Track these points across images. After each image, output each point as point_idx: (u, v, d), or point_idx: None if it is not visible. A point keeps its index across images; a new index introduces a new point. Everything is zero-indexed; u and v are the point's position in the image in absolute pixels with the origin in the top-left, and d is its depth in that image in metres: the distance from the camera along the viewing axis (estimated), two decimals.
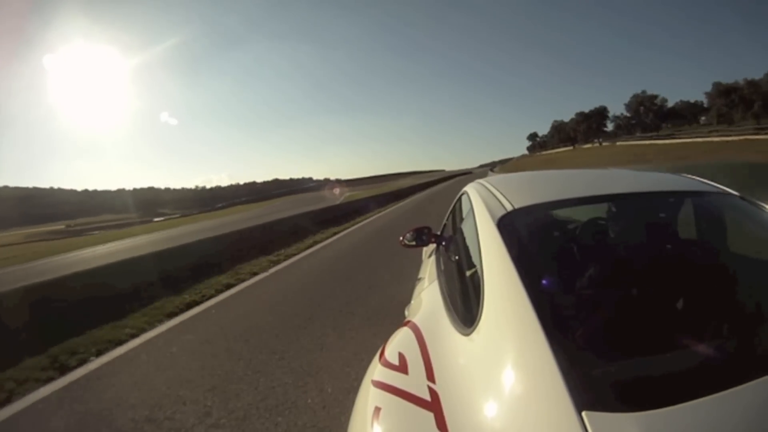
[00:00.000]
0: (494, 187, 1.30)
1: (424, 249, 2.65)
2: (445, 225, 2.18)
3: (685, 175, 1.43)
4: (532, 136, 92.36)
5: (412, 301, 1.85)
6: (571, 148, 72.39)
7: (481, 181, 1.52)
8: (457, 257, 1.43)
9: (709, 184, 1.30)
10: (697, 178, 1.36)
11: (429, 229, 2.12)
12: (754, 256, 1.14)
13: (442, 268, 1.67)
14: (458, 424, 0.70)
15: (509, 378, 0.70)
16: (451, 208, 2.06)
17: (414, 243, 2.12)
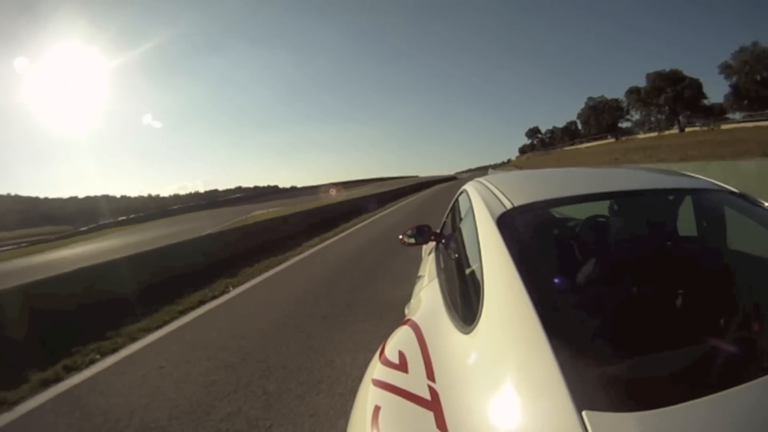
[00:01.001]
0: (494, 185, 1.29)
1: (424, 247, 2.65)
2: (444, 223, 2.18)
3: (684, 172, 1.43)
4: (532, 133, 78.28)
5: (412, 300, 1.85)
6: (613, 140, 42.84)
7: (480, 179, 1.52)
8: (456, 255, 1.43)
9: (708, 181, 1.29)
10: (697, 176, 1.36)
11: (429, 227, 2.12)
12: (755, 253, 1.13)
13: (442, 266, 1.67)
14: (458, 423, 0.70)
15: (509, 376, 0.70)
16: (450, 206, 2.06)
17: (414, 241, 2.12)
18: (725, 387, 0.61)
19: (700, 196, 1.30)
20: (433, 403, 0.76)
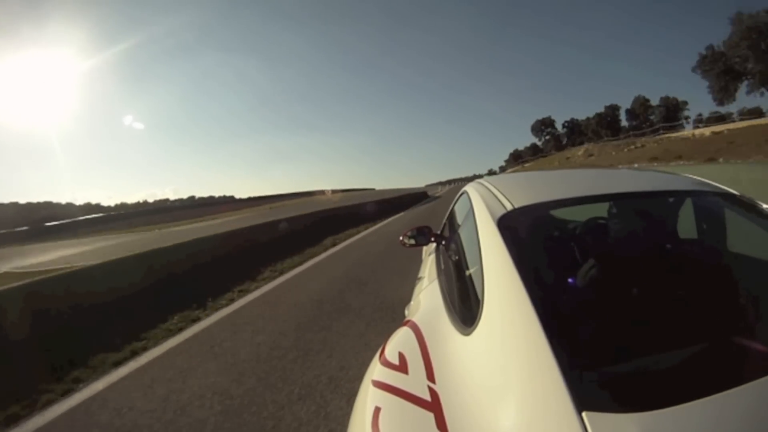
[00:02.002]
0: (494, 186, 1.30)
1: (424, 248, 2.65)
2: (445, 224, 2.18)
3: (684, 174, 1.43)
4: (544, 126, 66.74)
5: (412, 301, 1.85)
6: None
7: (480, 180, 1.52)
8: (457, 257, 1.43)
9: (708, 183, 1.30)
10: (697, 178, 1.36)
11: (429, 228, 2.12)
12: (754, 255, 1.14)
13: (442, 267, 1.67)
14: (458, 425, 0.70)
15: (509, 378, 0.70)
16: (451, 208, 2.06)
17: (414, 242, 2.12)
18: (725, 388, 0.61)
19: (701, 198, 1.30)
20: (433, 404, 0.76)
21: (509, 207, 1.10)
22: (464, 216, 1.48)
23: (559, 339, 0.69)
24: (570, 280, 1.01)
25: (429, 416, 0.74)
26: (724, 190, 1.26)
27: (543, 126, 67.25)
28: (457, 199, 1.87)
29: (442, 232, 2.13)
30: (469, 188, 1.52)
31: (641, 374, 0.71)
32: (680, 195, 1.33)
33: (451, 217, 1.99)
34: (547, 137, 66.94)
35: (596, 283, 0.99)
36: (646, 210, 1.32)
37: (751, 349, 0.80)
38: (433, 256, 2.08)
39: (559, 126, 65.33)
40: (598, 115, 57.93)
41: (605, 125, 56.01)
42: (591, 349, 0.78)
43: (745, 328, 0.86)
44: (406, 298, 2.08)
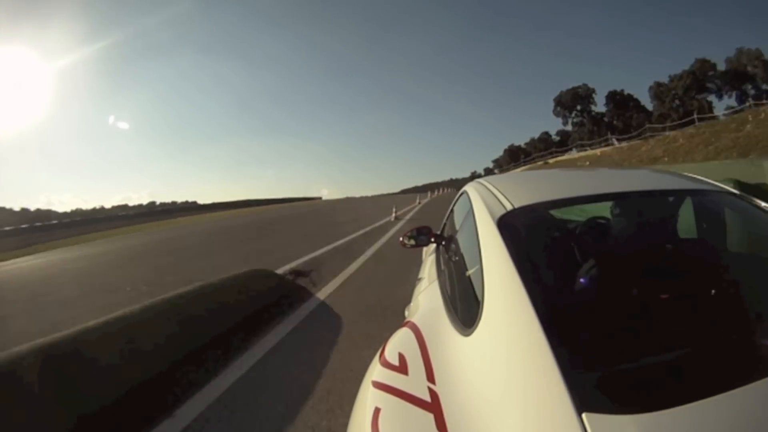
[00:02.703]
0: (494, 186, 1.30)
1: (424, 249, 2.65)
2: (445, 224, 2.18)
3: (685, 173, 1.43)
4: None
5: (412, 302, 1.85)
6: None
7: (480, 180, 1.52)
8: (456, 257, 1.43)
9: (708, 182, 1.29)
10: (697, 177, 1.36)
11: (429, 228, 2.12)
12: (755, 254, 1.13)
13: (442, 268, 1.67)
14: (458, 425, 0.70)
15: (509, 379, 0.70)
16: (450, 208, 2.06)
17: (414, 243, 2.12)
18: (726, 389, 0.61)
19: (700, 197, 1.30)
20: (433, 405, 0.76)
21: (509, 207, 1.10)
22: (464, 216, 1.48)
23: (559, 339, 0.69)
24: (570, 280, 1.01)
25: (429, 417, 0.74)
26: (723, 188, 1.26)
27: (574, 101, 40.57)
28: (457, 199, 1.87)
29: (442, 232, 2.13)
30: (469, 188, 1.52)
31: (641, 375, 0.71)
32: (680, 194, 1.32)
33: (451, 217, 1.99)
34: (580, 118, 41.25)
35: (596, 283, 0.99)
36: (646, 209, 1.32)
37: (751, 350, 0.79)
38: (433, 257, 2.08)
39: (600, 100, 39.15)
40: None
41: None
42: (591, 349, 0.78)
43: (745, 327, 0.86)
44: None
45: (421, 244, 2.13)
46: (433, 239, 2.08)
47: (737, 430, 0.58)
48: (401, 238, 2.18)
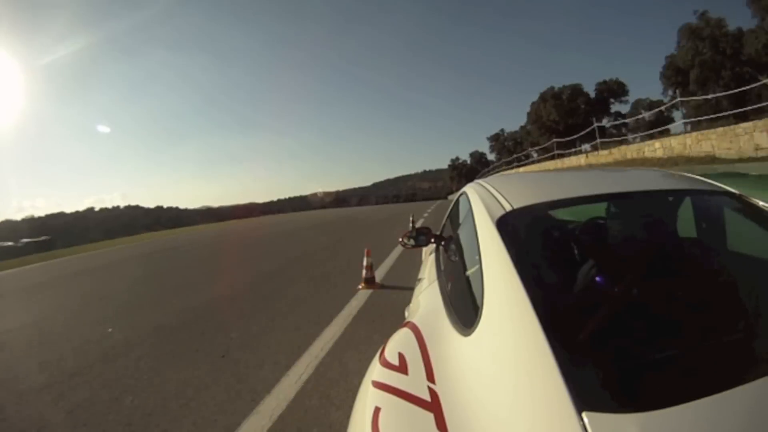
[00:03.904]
0: (493, 187, 1.30)
1: (424, 249, 2.65)
2: (444, 225, 2.19)
3: (684, 173, 1.43)
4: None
5: (412, 302, 1.85)
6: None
7: (479, 181, 1.52)
8: (456, 258, 1.43)
9: (708, 182, 1.30)
10: (697, 177, 1.36)
11: (429, 229, 2.13)
12: (754, 255, 1.14)
13: (442, 268, 1.67)
14: (458, 425, 0.70)
15: (509, 378, 0.70)
16: (450, 209, 2.07)
17: (414, 243, 2.12)
18: (725, 388, 0.61)
19: (700, 197, 1.30)
20: (433, 405, 0.76)
21: (508, 207, 1.10)
22: (463, 217, 1.49)
23: (559, 339, 0.69)
24: (569, 280, 1.01)
25: (429, 416, 0.74)
26: (723, 188, 1.26)
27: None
28: (457, 200, 1.87)
29: (441, 232, 2.14)
30: (468, 189, 1.52)
31: (641, 374, 0.71)
32: (680, 194, 1.33)
33: (451, 217, 1.99)
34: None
35: (596, 283, 0.99)
36: (646, 209, 1.32)
37: (751, 349, 0.80)
38: (432, 257, 2.08)
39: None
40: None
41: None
42: (591, 349, 0.78)
43: (745, 327, 0.86)
44: None
45: (420, 244, 2.13)
46: (432, 240, 2.09)
47: (737, 428, 0.58)
48: (401, 239, 2.18)
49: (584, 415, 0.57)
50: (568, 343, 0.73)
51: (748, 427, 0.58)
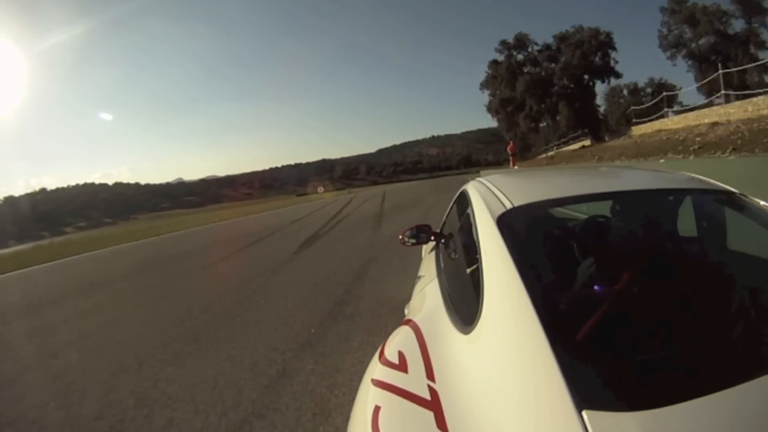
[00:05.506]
0: (493, 184, 1.29)
1: (424, 247, 2.65)
2: (444, 223, 2.18)
3: (686, 172, 1.43)
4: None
5: (412, 300, 1.85)
6: None
7: (480, 179, 1.52)
8: (456, 255, 1.43)
9: (709, 181, 1.29)
10: (698, 176, 1.36)
11: (428, 227, 2.12)
12: (755, 254, 1.13)
13: (442, 266, 1.67)
14: (458, 423, 0.70)
15: (509, 376, 0.70)
16: (450, 206, 2.06)
17: (413, 241, 2.12)
18: (725, 387, 0.61)
19: (701, 196, 1.30)
20: (433, 403, 0.76)
21: (508, 205, 1.10)
22: (463, 214, 1.48)
23: (559, 337, 0.69)
24: (570, 278, 1.01)
25: (429, 415, 0.74)
26: (723, 188, 1.26)
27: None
28: (457, 198, 1.87)
29: (441, 230, 2.13)
30: (469, 186, 1.52)
31: (641, 372, 0.71)
32: (680, 193, 1.32)
33: (451, 215, 1.99)
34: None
35: (596, 282, 0.99)
36: (646, 208, 1.32)
37: (751, 348, 0.80)
38: (432, 255, 2.07)
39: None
40: None
41: None
42: (591, 347, 0.78)
43: (745, 326, 0.86)
44: None
45: (420, 242, 2.13)
46: (432, 237, 2.08)
47: (737, 427, 0.58)
48: (400, 236, 2.18)
49: (584, 413, 0.57)
50: (568, 341, 0.73)
51: (748, 425, 0.58)
